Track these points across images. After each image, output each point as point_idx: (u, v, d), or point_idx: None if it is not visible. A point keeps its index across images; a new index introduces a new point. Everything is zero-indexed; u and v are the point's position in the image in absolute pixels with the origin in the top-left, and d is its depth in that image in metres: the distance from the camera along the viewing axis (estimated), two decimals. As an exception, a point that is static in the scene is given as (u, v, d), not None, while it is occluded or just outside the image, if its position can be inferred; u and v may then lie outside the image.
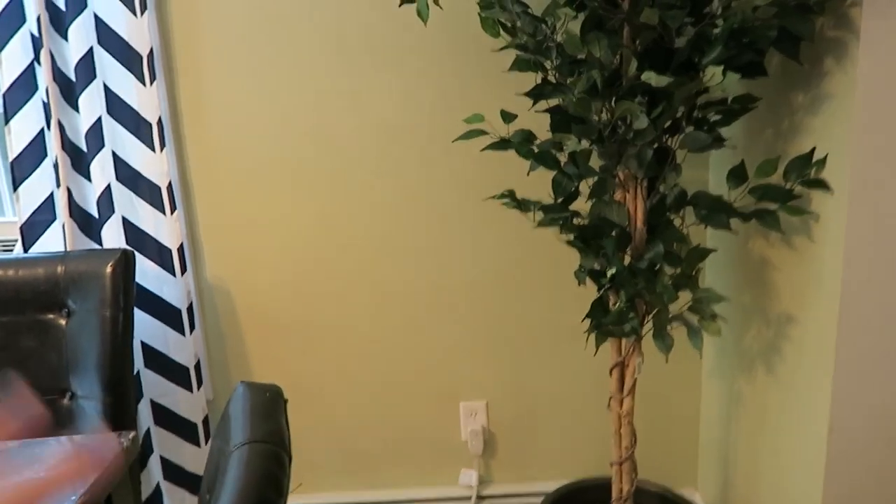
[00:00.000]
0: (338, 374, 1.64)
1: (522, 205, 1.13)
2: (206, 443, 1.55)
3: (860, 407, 1.06)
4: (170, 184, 1.45)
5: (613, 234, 1.14)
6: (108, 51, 1.39)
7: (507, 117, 1.13)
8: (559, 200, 1.18)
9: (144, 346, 1.51)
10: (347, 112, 1.50)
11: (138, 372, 1.51)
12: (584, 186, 1.18)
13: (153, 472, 1.55)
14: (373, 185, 1.53)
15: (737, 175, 1.13)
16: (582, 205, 1.19)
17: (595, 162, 1.16)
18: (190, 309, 1.52)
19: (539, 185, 1.21)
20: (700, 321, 1.15)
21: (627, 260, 1.18)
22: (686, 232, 1.20)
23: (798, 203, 1.07)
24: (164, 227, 1.48)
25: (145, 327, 1.50)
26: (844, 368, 1.04)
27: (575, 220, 1.19)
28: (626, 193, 1.18)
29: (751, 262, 1.33)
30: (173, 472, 1.57)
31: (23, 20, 1.38)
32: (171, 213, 1.46)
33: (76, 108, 1.42)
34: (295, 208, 1.55)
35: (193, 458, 1.56)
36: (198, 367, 1.55)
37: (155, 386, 1.53)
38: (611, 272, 1.11)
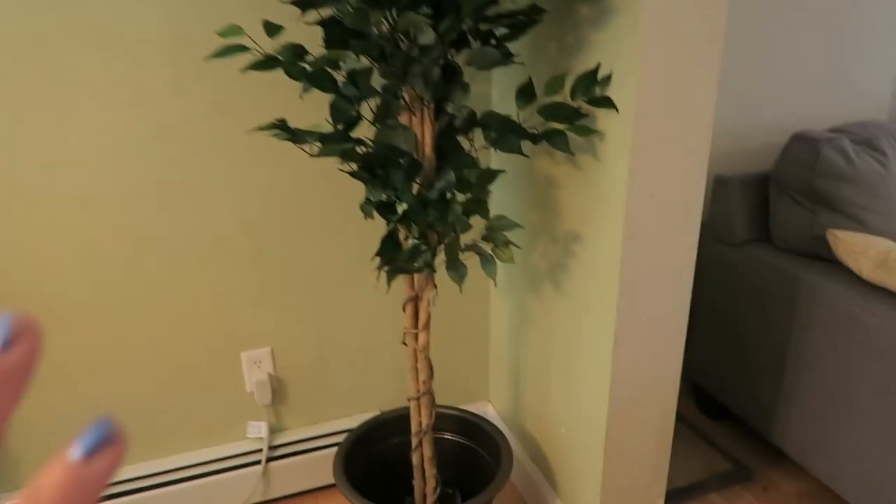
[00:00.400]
0: (93, 340, 1.37)
1: (297, 135, 0.96)
2: None
3: (640, 317, 1.11)
4: None
5: (402, 162, 1.03)
6: None
7: (272, 29, 0.93)
8: (339, 127, 1.03)
9: None
10: (75, 22, 1.15)
11: None
12: (367, 111, 1.04)
13: None
14: (114, 119, 1.23)
15: (525, 93, 1.06)
16: (365, 131, 1.06)
17: (378, 82, 1.01)
18: None
19: (315, 110, 1.04)
20: (493, 249, 1.11)
21: (417, 190, 1.08)
22: (476, 156, 1.13)
23: (585, 122, 1.05)
24: None
25: None
26: (629, 283, 1.08)
27: (358, 149, 1.05)
28: (413, 117, 1.06)
29: (537, 181, 1.31)
30: None
31: None
32: None
33: None
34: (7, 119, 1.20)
35: None
36: None
37: None
38: (402, 207, 1.01)
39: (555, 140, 1.03)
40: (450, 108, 1.06)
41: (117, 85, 1.22)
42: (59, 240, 1.28)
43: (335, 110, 1.01)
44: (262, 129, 0.95)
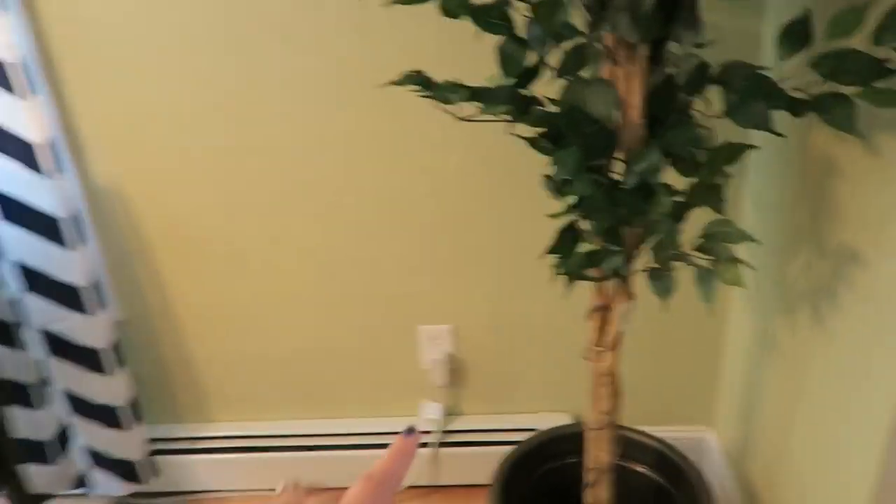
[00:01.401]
0: (275, 296, 1.34)
1: (436, 89, 0.72)
2: (118, 369, 1.31)
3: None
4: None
5: (588, 132, 0.74)
6: None
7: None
8: (511, 81, 0.77)
9: (23, 267, 1.23)
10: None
11: (17, 300, 1.24)
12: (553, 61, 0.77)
13: (57, 408, 1.33)
14: (304, 70, 1.13)
15: (794, 34, 0.69)
16: (545, 87, 0.79)
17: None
18: (77, 219, 1.21)
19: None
20: (714, 263, 0.78)
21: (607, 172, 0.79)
22: (707, 126, 0.80)
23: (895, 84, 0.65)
24: (20, 115, 1.13)
25: (19, 244, 1.21)
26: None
27: (535, 110, 0.79)
28: (617, 68, 0.77)
29: (809, 163, 0.92)
30: (80, 405, 1.34)
31: None
32: (29, 96, 1.11)
33: None
34: (208, 91, 1.17)
35: (103, 389, 1.33)
36: (98, 286, 1.26)
37: (43, 312, 1.26)
38: (567, 199, 0.74)
39: (832, 111, 0.65)
40: (671, 56, 0.74)
41: (300, 28, 1.11)
42: (248, 193, 1.24)
43: (505, 57, 0.76)
44: (394, 83, 0.74)
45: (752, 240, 0.73)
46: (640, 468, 1.20)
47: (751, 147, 0.79)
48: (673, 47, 0.74)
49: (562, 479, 1.23)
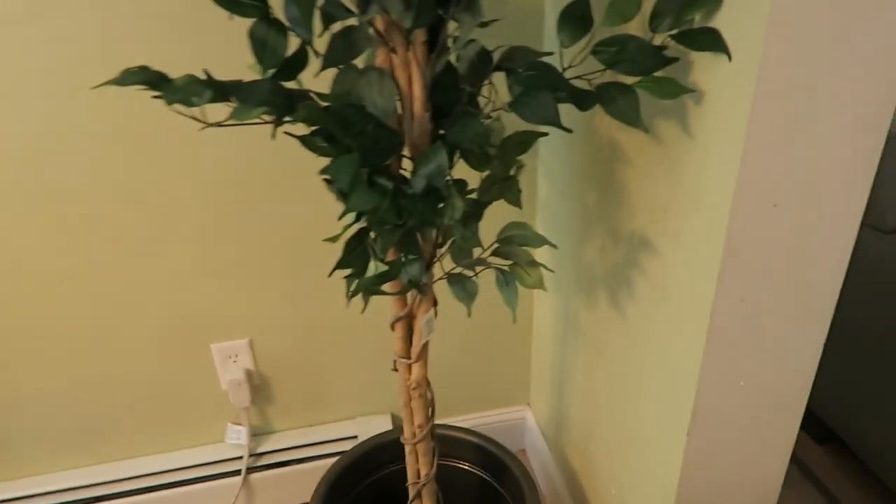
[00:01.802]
0: (35, 329, 1.10)
1: (171, 89, 0.58)
2: None
3: (736, 383, 0.72)
4: None
5: (366, 131, 0.65)
6: None
7: None
8: (269, 72, 0.65)
9: None
10: None
11: None
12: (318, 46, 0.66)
13: None
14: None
15: (573, 18, 0.64)
16: (313, 79, 0.68)
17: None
18: None
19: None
20: (514, 267, 0.73)
21: (392, 174, 0.71)
22: (496, 116, 0.74)
23: (672, 72, 0.63)
24: None
25: None
26: (721, 330, 0.68)
27: (304, 107, 0.67)
28: (393, 55, 0.67)
29: (597, 147, 0.90)
30: None
31: None
32: None
33: None
34: None
35: None
36: None
37: None
38: (346, 218, 0.64)
39: (617, 103, 0.61)
40: (449, 43, 0.66)
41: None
42: (-35, 205, 1.00)
43: (259, 45, 0.63)
44: (113, 82, 0.58)
45: (550, 244, 0.68)
46: (463, 465, 1.16)
47: (542, 134, 0.75)
48: (453, 30, 0.66)
49: (386, 488, 1.16)
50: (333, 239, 0.70)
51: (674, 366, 0.75)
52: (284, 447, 1.28)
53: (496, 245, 0.72)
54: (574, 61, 0.67)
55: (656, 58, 0.61)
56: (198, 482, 1.25)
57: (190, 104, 0.58)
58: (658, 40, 0.62)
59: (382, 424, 1.31)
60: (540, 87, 0.63)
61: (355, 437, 1.30)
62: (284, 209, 1.10)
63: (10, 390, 1.15)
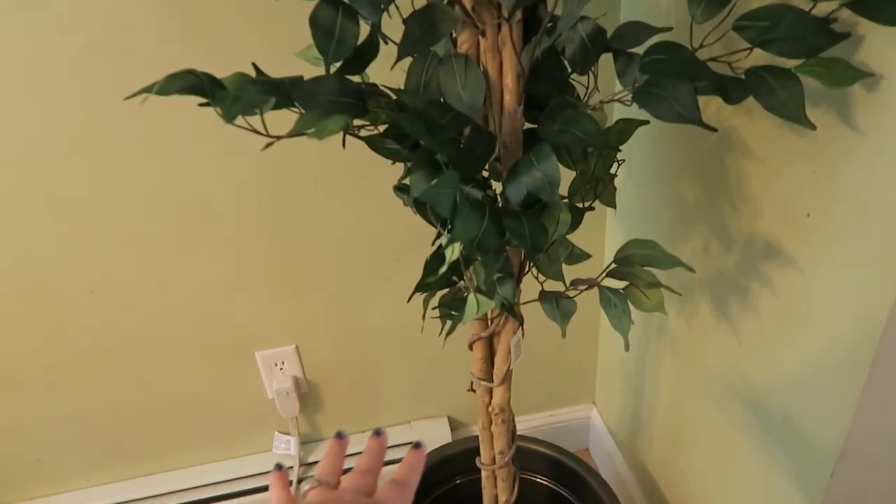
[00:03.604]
0: (70, 343, 1.02)
1: (226, 98, 0.46)
2: None
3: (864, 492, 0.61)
4: None
5: (456, 136, 0.53)
6: None
7: None
8: (336, 65, 0.53)
9: None
10: None
11: None
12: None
13: None
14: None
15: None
16: (388, 73, 0.56)
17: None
18: None
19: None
20: (629, 289, 0.62)
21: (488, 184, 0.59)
22: (599, 107, 0.62)
23: (838, 51, 0.50)
24: None
25: None
26: (885, 366, 0.56)
27: (378, 105, 0.55)
28: (482, 39, 0.55)
29: (701, 133, 0.77)
30: None
31: None
32: None
33: None
34: None
35: None
36: None
37: None
38: (450, 250, 0.53)
39: (776, 94, 0.49)
40: (551, 24, 0.54)
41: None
42: (16, 210, 0.90)
43: (321, 31, 0.51)
44: (152, 90, 0.47)
45: (686, 267, 0.56)
46: (538, 478, 1.07)
47: (645, 122, 0.63)
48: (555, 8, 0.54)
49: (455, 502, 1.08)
50: (430, 285, 0.59)
51: (815, 398, 0.64)
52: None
53: (613, 266, 0.61)
54: (707, 40, 0.55)
55: (823, 34, 0.48)
56: (246, 494, 1.18)
57: (250, 114, 0.46)
58: (821, 10, 0.49)
59: (439, 428, 1.22)
60: (672, 74, 0.51)
61: (411, 442, 1.21)
62: (327, 209, 0.99)
63: (46, 407, 1.07)
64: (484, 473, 0.87)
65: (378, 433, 0.50)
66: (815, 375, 0.64)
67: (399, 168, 0.64)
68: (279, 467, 0.48)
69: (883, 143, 0.51)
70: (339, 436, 0.51)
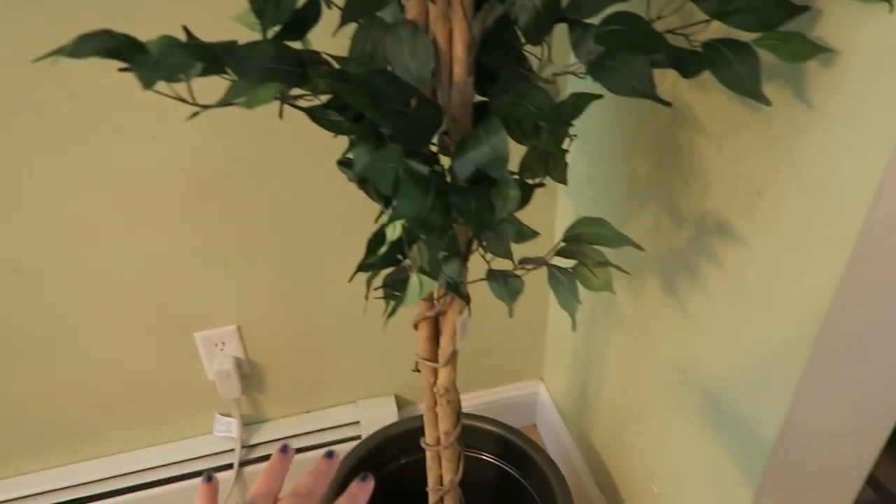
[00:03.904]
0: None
1: (146, 62, 0.41)
2: None
3: (821, 434, 0.61)
4: None
5: (392, 98, 0.50)
6: None
7: None
8: (272, 30, 0.49)
9: None
10: None
11: None
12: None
13: None
14: None
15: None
16: (330, 39, 0.52)
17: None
18: None
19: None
20: (577, 268, 0.60)
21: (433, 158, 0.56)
22: (552, 80, 0.59)
23: (795, 26, 0.49)
24: None
25: None
26: (829, 341, 0.57)
27: (319, 73, 0.52)
28: (431, 3, 0.52)
29: (654, 106, 0.76)
30: None
31: None
32: None
33: None
34: None
35: None
36: None
37: None
38: (392, 228, 0.50)
39: (733, 69, 0.47)
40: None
41: None
42: None
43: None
44: (62, 52, 0.42)
45: (635, 245, 0.55)
46: (483, 456, 1.07)
47: (598, 96, 0.61)
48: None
49: (397, 486, 1.06)
50: (368, 263, 0.56)
51: (760, 370, 0.65)
52: (280, 437, 1.17)
53: (562, 244, 0.59)
54: (664, 11, 0.53)
55: (782, 6, 0.47)
56: (187, 478, 1.14)
57: (175, 80, 0.42)
58: (778, -17, 0.48)
59: (386, 407, 1.20)
60: (628, 46, 0.49)
61: (357, 422, 1.19)
62: (269, 185, 0.94)
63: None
64: (429, 454, 0.85)
65: (330, 455, 0.45)
66: (761, 353, 0.64)
67: (346, 140, 0.61)
68: (209, 478, 0.43)
69: (837, 121, 0.50)
70: (284, 450, 0.45)
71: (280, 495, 0.43)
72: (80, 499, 1.11)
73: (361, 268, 0.60)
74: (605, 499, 1.09)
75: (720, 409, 0.72)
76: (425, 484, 0.89)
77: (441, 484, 0.88)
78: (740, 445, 0.69)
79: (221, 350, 1.06)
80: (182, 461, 1.14)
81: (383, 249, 0.56)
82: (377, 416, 1.18)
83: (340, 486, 0.97)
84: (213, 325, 1.04)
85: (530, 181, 0.63)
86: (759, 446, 0.65)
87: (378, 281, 0.65)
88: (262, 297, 1.04)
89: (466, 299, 0.67)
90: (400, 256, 0.62)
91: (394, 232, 0.54)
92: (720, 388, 0.72)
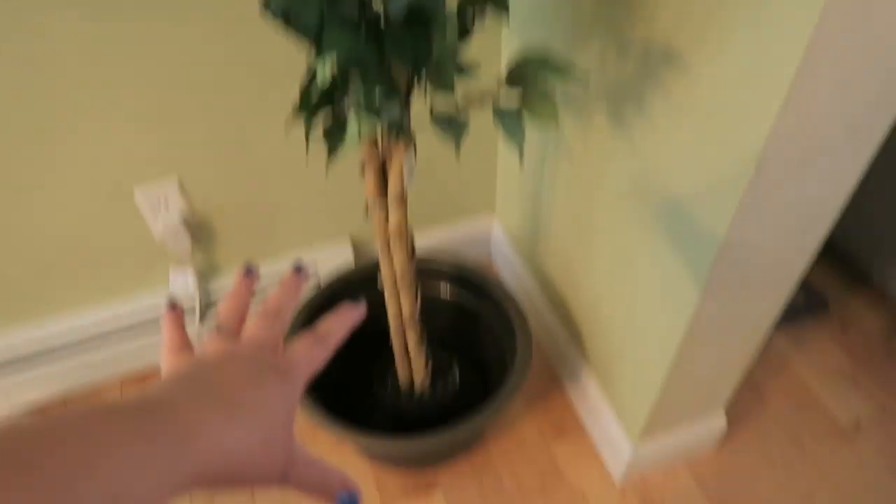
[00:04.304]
0: None
1: None
2: None
3: (774, 200, 0.63)
4: None
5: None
6: None
7: None
8: None
9: None
10: None
11: None
12: None
13: None
14: None
15: None
16: None
17: None
18: None
19: None
20: (523, 101, 0.58)
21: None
22: None
23: None
24: None
25: None
26: (773, 155, 0.57)
27: None
28: None
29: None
30: None
31: None
32: None
33: None
34: None
35: None
36: None
37: None
38: (324, 67, 0.46)
39: None
40: None
41: None
42: None
43: None
44: None
45: (581, 74, 0.53)
46: (442, 291, 1.10)
47: None
48: None
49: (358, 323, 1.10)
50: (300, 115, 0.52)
51: (704, 190, 0.66)
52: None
53: (507, 75, 0.56)
54: None
55: None
56: (147, 334, 1.16)
57: None
58: None
59: (342, 250, 1.22)
60: None
61: (314, 266, 1.20)
62: (204, 33, 0.86)
63: None
64: (387, 292, 0.88)
65: (299, 268, 0.41)
66: (706, 172, 0.65)
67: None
68: (173, 307, 0.40)
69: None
70: (248, 271, 0.41)
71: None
72: (39, 351, 1.12)
73: (296, 113, 0.57)
74: (557, 318, 1.16)
75: (667, 226, 0.75)
76: (386, 322, 0.92)
77: (401, 320, 0.91)
78: (686, 257, 0.72)
79: (165, 205, 1.03)
80: (141, 318, 1.15)
81: (316, 91, 0.52)
82: (334, 258, 1.19)
83: (293, 333, 1.00)
84: (152, 180, 1.00)
85: (470, 8, 0.59)
86: (704, 256, 0.68)
87: (319, 130, 0.62)
88: (201, 149, 0.99)
89: (410, 139, 0.65)
90: (338, 96, 0.59)
91: (324, 71, 0.50)
92: (666, 208, 0.74)
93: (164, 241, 1.06)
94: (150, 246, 1.08)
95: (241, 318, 0.39)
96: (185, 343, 0.37)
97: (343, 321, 0.39)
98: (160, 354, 0.37)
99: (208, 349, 0.35)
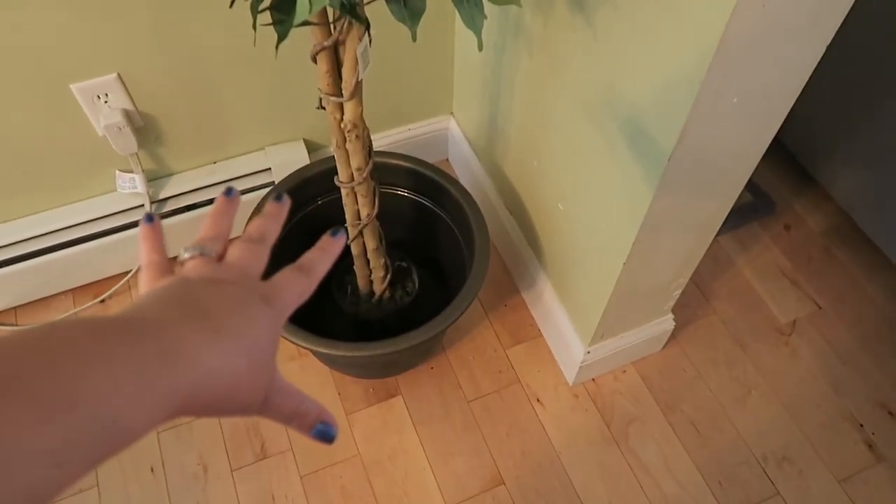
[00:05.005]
0: None
1: None
2: None
3: (729, 97, 0.63)
4: None
5: None
6: None
7: None
8: None
9: None
10: None
11: None
12: None
13: None
14: None
15: None
16: None
17: None
18: None
19: None
20: (483, -21, 0.55)
21: None
22: None
23: None
24: None
25: None
26: (730, 44, 0.57)
27: None
28: None
29: None
30: None
31: None
32: None
33: None
34: None
35: None
36: None
37: None
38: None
39: None
40: None
41: None
42: None
43: None
44: None
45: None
46: (398, 191, 1.09)
47: None
48: None
49: (317, 223, 1.08)
50: None
51: (662, 84, 0.65)
52: (190, 189, 1.14)
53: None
54: None
55: None
56: (97, 237, 1.12)
57: None
58: None
59: (296, 152, 1.18)
60: None
61: (268, 168, 1.17)
62: None
63: None
64: (343, 191, 0.86)
65: (279, 198, 0.41)
66: (663, 67, 0.64)
67: None
68: (150, 219, 0.38)
69: None
70: (229, 192, 0.40)
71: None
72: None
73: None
74: (514, 221, 1.16)
75: (624, 123, 0.74)
76: (344, 221, 0.91)
77: (359, 219, 0.90)
78: (641, 155, 0.73)
79: (106, 102, 0.98)
80: (89, 221, 1.11)
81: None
82: (288, 161, 1.16)
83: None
84: (89, 75, 0.94)
85: None
86: (659, 154, 0.69)
87: (265, 8, 0.58)
88: (140, 41, 0.93)
89: (364, 22, 0.62)
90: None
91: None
92: (624, 103, 0.73)
93: (107, 138, 1.01)
94: (93, 146, 1.03)
95: (224, 242, 0.37)
96: (165, 265, 0.35)
97: (326, 253, 0.38)
98: (139, 275, 0.35)
99: (192, 272, 0.34)
